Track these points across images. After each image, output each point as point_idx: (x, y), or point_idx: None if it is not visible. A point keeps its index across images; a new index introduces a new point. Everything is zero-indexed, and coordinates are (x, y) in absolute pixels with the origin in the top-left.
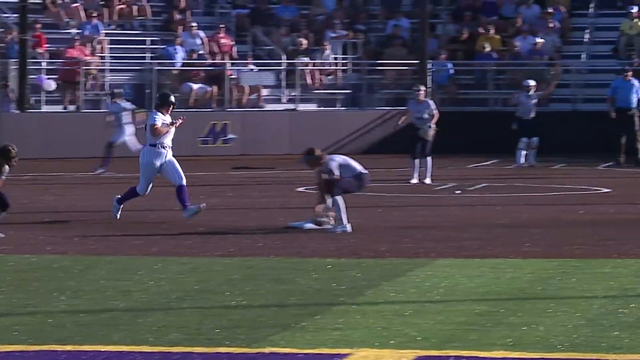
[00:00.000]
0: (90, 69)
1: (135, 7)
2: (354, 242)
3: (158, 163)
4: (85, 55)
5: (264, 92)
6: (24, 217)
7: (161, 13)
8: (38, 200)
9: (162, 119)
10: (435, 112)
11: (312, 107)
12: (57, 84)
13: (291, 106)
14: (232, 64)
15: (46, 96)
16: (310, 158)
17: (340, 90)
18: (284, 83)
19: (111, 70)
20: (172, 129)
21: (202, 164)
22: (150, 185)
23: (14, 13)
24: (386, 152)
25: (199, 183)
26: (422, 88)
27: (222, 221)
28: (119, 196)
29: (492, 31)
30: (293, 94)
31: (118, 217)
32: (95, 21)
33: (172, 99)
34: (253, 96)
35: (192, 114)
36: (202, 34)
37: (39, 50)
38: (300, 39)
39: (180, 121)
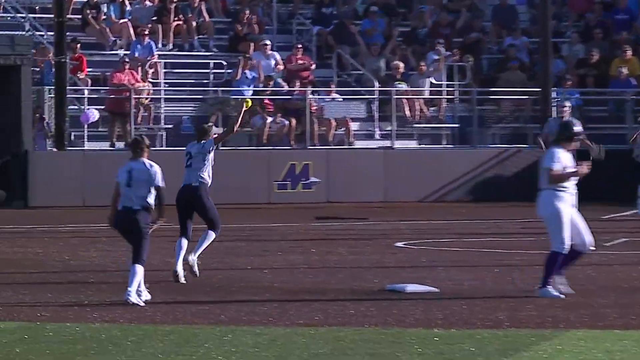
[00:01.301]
0: (142, 97)
1: (194, 24)
2: (466, 308)
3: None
4: (137, 82)
5: (353, 126)
6: (65, 276)
7: (227, 30)
8: (81, 257)
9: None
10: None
11: (411, 144)
12: (102, 116)
13: (386, 143)
14: (314, 92)
15: (89, 131)
16: None
17: (445, 124)
18: (376, 115)
19: (167, 100)
20: None
21: (278, 213)
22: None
23: (50, 31)
24: (502, 199)
25: (275, 236)
26: (567, 104)
27: (305, 283)
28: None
29: (629, 52)
30: (388, 128)
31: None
32: (147, 40)
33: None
34: (340, 131)
35: (266, 153)
36: (277, 55)
37: (80, 75)
38: (396, 62)
39: None
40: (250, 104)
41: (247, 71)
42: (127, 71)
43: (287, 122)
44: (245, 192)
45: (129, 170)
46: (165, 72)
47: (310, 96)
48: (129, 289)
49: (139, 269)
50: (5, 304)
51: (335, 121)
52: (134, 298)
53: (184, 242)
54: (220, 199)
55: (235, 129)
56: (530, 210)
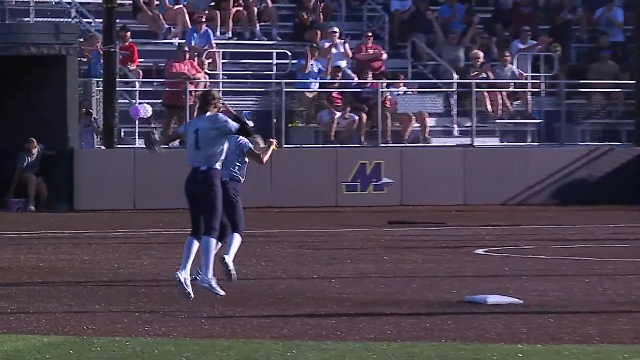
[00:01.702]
0: (198, 90)
1: (256, 10)
2: (553, 322)
3: None
4: (197, 72)
5: (429, 121)
6: (114, 286)
7: (291, 17)
8: (131, 265)
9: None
10: None
11: (492, 141)
12: (154, 111)
13: (465, 140)
14: (387, 84)
15: (140, 127)
16: None
17: (530, 120)
18: (455, 110)
19: (225, 93)
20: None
21: (347, 217)
22: None
23: (98, 18)
24: (592, 203)
25: (344, 243)
26: None
27: (376, 293)
28: None
29: None
30: (467, 124)
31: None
32: (204, 28)
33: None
34: (414, 127)
35: (333, 152)
36: (346, 44)
37: (131, 66)
38: (476, 51)
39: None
40: (277, 147)
41: (312, 62)
42: (187, 61)
43: (356, 118)
44: (311, 194)
45: (194, 129)
46: (223, 63)
47: (383, 89)
48: (207, 272)
49: (212, 242)
50: (50, 315)
51: (410, 116)
52: (214, 281)
53: (195, 244)
54: (283, 201)
55: (262, 162)
56: (624, 214)
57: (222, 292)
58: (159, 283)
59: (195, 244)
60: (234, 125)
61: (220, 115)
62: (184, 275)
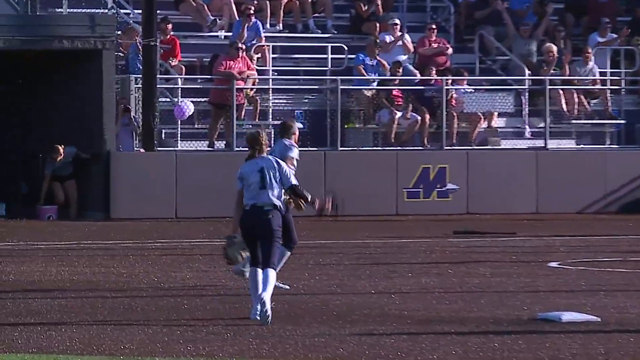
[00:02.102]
0: (246, 88)
1: (309, 1)
2: (633, 342)
3: None
4: (250, 70)
5: (498, 122)
6: (154, 301)
7: (348, 8)
8: (172, 279)
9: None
10: None
11: (568, 144)
12: (197, 110)
13: (538, 143)
14: (453, 81)
15: (182, 128)
16: None
17: (610, 120)
18: (526, 109)
19: (275, 91)
20: None
21: (408, 227)
22: None
23: (137, 8)
24: None
25: (405, 255)
26: None
27: (440, 310)
28: None
29: None
30: (540, 125)
31: None
32: (252, 20)
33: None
34: (482, 128)
35: (393, 155)
36: (407, 37)
37: (172, 61)
38: (549, 45)
39: None
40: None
41: (368, 57)
42: (239, 58)
43: (419, 118)
44: (368, 202)
45: (259, 169)
46: (273, 58)
47: (448, 86)
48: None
49: (274, 275)
50: (84, 333)
51: (478, 116)
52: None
53: (260, 273)
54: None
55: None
56: None
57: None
58: (202, 298)
59: (261, 273)
60: (290, 180)
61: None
62: (265, 306)
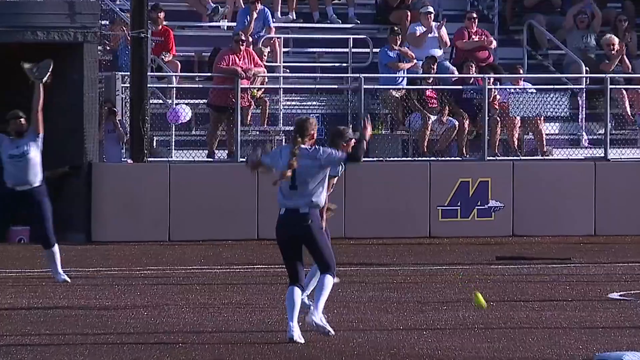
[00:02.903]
0: (252, 88)
1: None
2: None
3: None
4: (257, 66)
5: (550, 128)
6: (144, 338)
7: None
8: (165, 312)
9: None
10: None
11: (633, 153)
12: (196, 114)
13: (597, 152)
14: (497, 80)
15: (178, 134)
16: None
17: None
18: (584, 113)
19: (287, 91)
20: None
21: (443, 251)
22: None
23: None
24: None
25: (439, 284)
26: None
27: (480, 349)
28: None
29: None
30: (600, 132)
31: None
32: (260, 7)
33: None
34: (530, 135)
35: (426, 167)
36: (443, 29)
37: (166, 56)
38: (610, 36)
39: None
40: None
41: (397, 50)
42: (243, 52)
43: (456, 123)
44: (396, 222)
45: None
46: (285, 53)
47: (490, 86)
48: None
49: (331, 280)
50: None
51: (525, 121)
52: (317, 318)
53: (298, 293)
54: (361, 231)
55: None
56: None
57: (332, 331)
58: (200, 336)
59: (298, 293)
60: (340, 154)
61: (321, 148)
62: (297, 332)
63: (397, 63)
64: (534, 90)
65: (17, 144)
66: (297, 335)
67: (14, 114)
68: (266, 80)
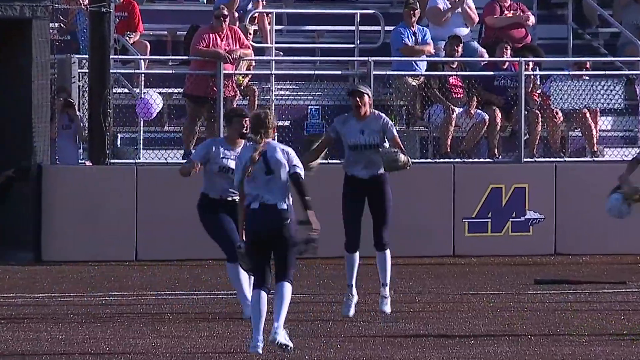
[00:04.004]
0: (238, 74)
1: None
2: None
3: None
4: (244, 47)
5: (601, 123)
6: None
7: None
8: (131, 347)
9: None
10: None
11: None
12: (170, 106)
13: None
14: (535, 64)
15: (146, 131)
16: None
17: None
18: None
19: (280, 78)
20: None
21: (470, 272)
22: None
23: None
24: None
25: (465, 313)
26: None
27: None
28: None
29: None
30: None
31: None
32: None
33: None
34: (576, 132)
35: (449, 170)
36: (470, 2)
37: (132, 36)
38: None
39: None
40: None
41: (408, 29)
42: (226, 31)
43: (486, 117)
44: (413, 237)
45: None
46: (277, 32)
47: (528, 71)
48: (276, 324)
49: (288, 290)
50: None
51: (570, 116)
52: (281, 337)
53: (265, 298)
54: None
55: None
56: None
57: (291, 344)
58: None
59: (265, 297)
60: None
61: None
62: (262, 344)
63: (414, 46)
64: (586, 77)
65: None
66: (261, 347)
67: None
68: (254, 64)
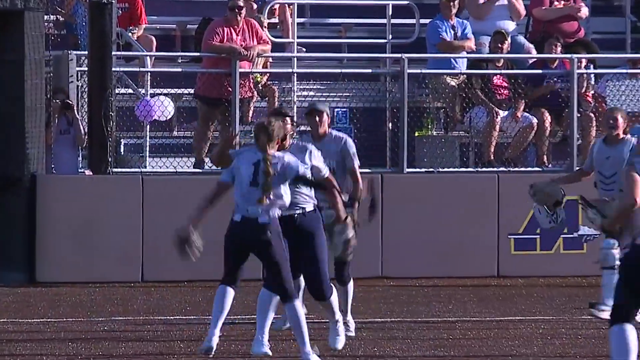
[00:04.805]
0: (255, 72)
1: None
2: None
3: None
4: (262, 43)
5: None
6: None
7: None
8: None
9: None
10: None
11: None
12: (181, 109)
13: None
14: (590, 62)
15: (154, 137)
16: None
17: None
18: None
19: (302, 77)
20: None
21: (516, 295)
22: None
23: None
24: None
25: (511, 341)
26: None
27: None
28: None
29: None
30: None
31: None
32: None
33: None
34: (634, 138)
35: (492, 180)
36: None
37: (136, 31)
38: None
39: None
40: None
41: (447, 22)
42: (242, 25)
43: (534, 121)
44: (454, 255)
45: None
46: (300, 25)
47: (581, 70)
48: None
49: (298, 309)
50: None
51: (629, 119)
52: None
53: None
54: (404, 268)
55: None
56: None
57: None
58: None
59: (231, 295)
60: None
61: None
62: (216, 340)
63: (453, 41)
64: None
65: None
66: (215, 343)
67: None
68: (271, 61)
